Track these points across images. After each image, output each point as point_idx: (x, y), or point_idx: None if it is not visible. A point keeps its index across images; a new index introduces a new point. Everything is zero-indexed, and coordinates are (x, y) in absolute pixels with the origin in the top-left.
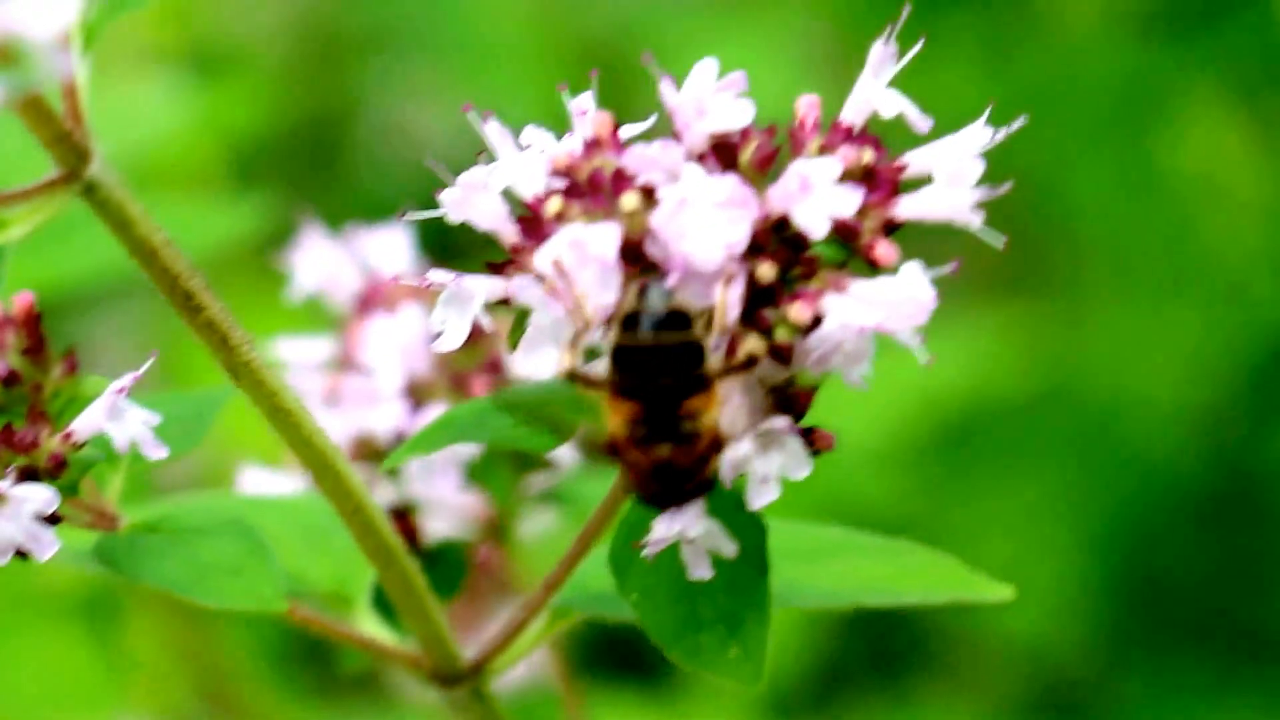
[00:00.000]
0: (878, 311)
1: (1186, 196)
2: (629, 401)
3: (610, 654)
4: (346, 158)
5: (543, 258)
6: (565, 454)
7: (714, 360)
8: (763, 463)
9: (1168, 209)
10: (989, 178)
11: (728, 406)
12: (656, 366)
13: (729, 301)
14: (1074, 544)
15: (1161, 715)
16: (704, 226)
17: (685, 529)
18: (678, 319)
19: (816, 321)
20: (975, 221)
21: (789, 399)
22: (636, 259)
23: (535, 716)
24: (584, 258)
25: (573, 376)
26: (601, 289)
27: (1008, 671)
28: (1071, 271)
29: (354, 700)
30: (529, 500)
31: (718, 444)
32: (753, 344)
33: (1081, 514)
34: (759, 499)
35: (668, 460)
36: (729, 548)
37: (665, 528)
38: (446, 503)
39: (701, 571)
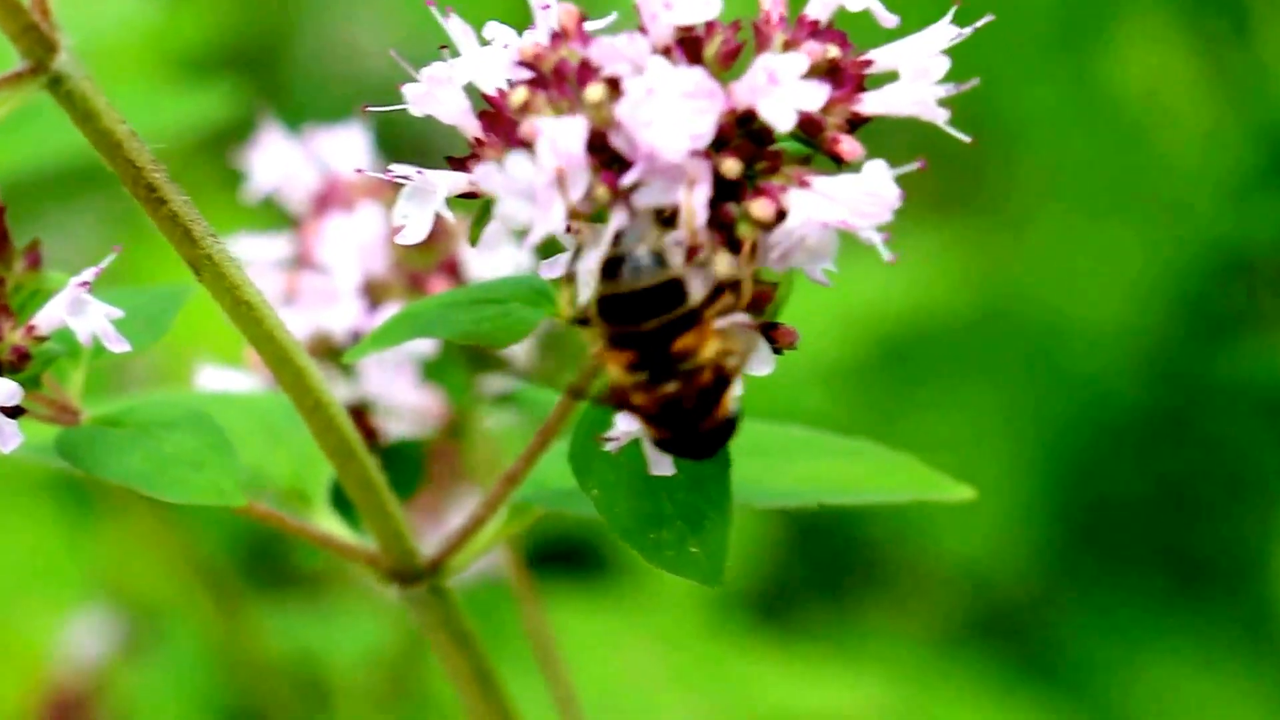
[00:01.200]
0: (841, 207)
1: (1128, 116)
2: (623, 350)
3: (560, 556)
4: (291, 71)
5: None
6: (523, 351)
7: (697, 291)
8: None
9: (1110, 128)
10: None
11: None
12: (642, 311)
13: (695, 204)
14: (1015, 465)
15: (1101, 637)
16: (669, 117)
17: None
18: (656, 261)
19: (780, 217)
20: (940, 117)
21: (752, 296)
22: (602, 150)
23: (491, 613)
24: (551, 152)
25: (574, 321)
26: (568, 184)
27: (949, 593)
28: (1014, 191)
29: (318, 597)
30: (486, 399)
31: (725, 379)
32: (724, 267)
33: (1022, 434)
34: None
35: (675, 399)
36: None
37: (628, 423)
38: (403, 402)
39: (664, 468)
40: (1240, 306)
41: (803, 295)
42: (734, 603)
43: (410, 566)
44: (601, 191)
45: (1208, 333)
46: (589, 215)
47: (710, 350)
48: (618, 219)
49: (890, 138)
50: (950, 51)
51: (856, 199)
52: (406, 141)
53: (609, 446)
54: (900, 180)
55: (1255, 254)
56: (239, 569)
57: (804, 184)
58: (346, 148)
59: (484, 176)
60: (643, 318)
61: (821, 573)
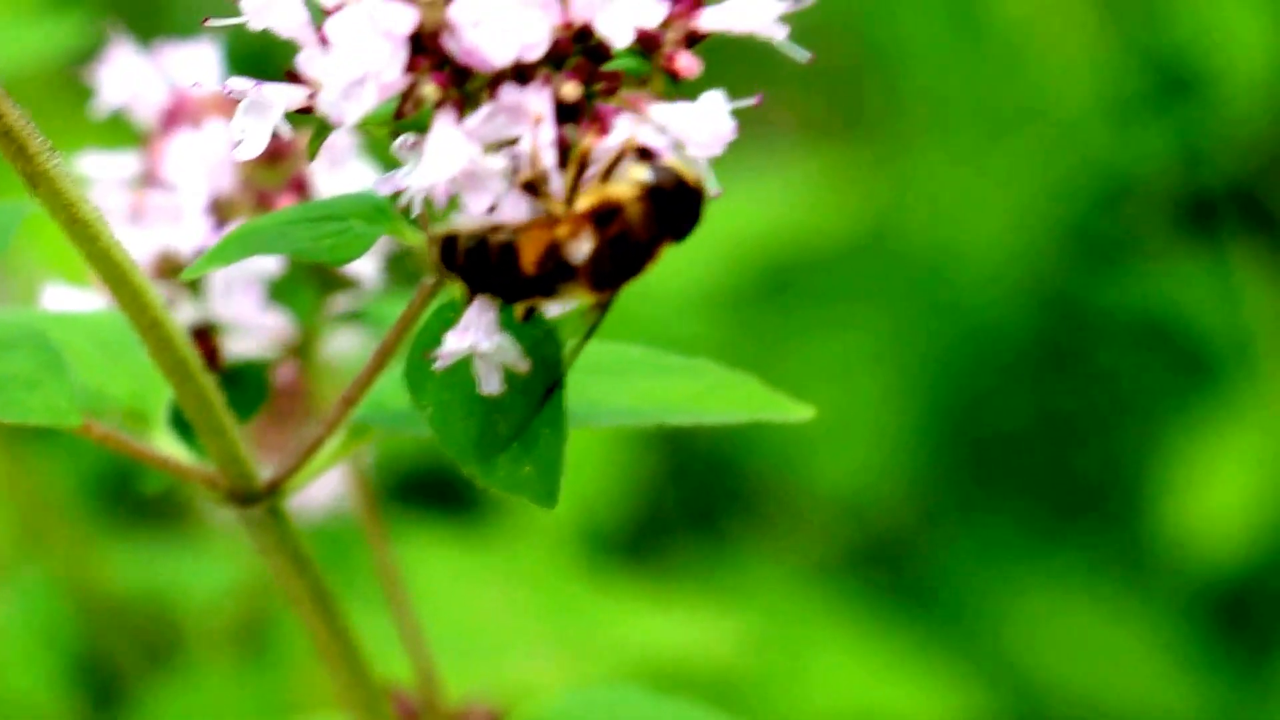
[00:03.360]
0: (672, 138)
1: (1013, 40)
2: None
3: (432, 490)
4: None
5: (332, 25)
6: (370, 272)
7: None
8: None
9: (994, 53)
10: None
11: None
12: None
13: (541, 144)
14: (898, 394)
15: (982, 567)
16: (500, 19)
17: (477, 342)
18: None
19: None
20: (779, 35)
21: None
22: (432, 52)
23: (339, 545)
24: (373, 30)
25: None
26: (388, 65)
27: (827, 525)
28: (899, 117)
29: (174, 533)
30: (333, 320)
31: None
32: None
33: (906, 363)
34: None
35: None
36: (521, 363)
37: (456, 340)
38: (248, 321)
39: (492, 386)
40: (1126, 234)
41: None
42: (607, 540)
43: (248, 488)
44: (430, 90)
45: (1093, 261)
46: (416, 117)
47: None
48: (443, 123)
49: (773, 62)
50: None
51: (689, 129)
52: (281, 57)
53: (437, 365)
54: (784, 105)
55: (1141, 181)
56: (93, 506)
57: (638, 110)
58: (196, 63)
59: (305, 62)
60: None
61: (694, 505)
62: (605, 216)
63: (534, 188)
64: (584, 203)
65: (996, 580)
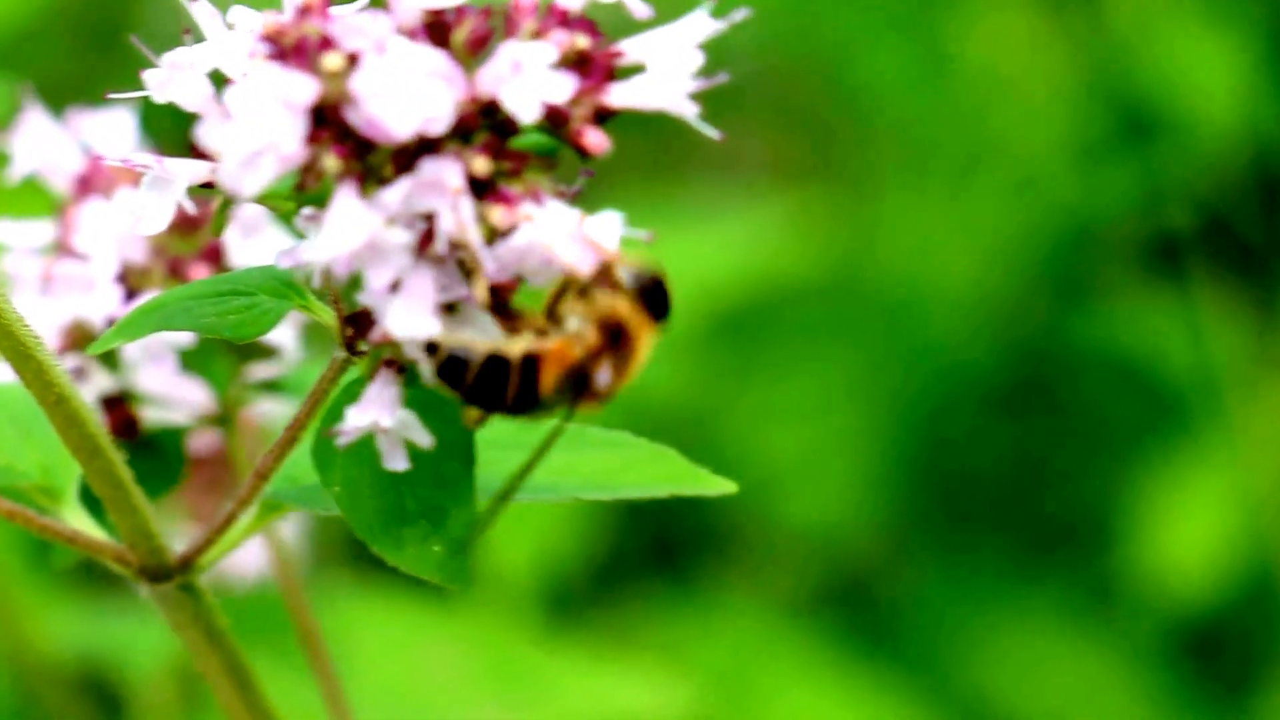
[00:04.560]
0: (558, 241)
1: (980, 85)
2: None
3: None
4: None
5: (233, 96)
6: (288, 341)
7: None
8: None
9: (961, 97)
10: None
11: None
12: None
13: (464, 220)
14: (868, 433)
15: (953, 606)
16: (405, 93)
17: (378, 418)
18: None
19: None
20: (690, 112)
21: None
22: (335, 124)
23: (267, 613)
24: (273, 100)
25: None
26: (288, 137)
27: (798, 563)
28: (865, 159)
29: (113, 594)
30: (251, 388)
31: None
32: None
33: (876, 403)
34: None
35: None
36: (424, 439)
37: (357, 417)
38: (163, 391)
39: (397, 462)
40: (1094, 274)
41: None
42: (566, 587)
43: (159, 564)
44: (331, 162)
45: (1062, 300)
46: (318, 190)
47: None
48: (344, 195)
49: (743, 104)
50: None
51: (570, 237)
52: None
53: (339, 442)
54: (754, 145)
55: (1108, 221)
56: (30, 572)
57: (539, 201)
58: (112, 130)
59: (204, 134)
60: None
61: (661, 544)
62: (615, 334)
63: (469, 274)
64: (590, 326)
65: (968, 618)
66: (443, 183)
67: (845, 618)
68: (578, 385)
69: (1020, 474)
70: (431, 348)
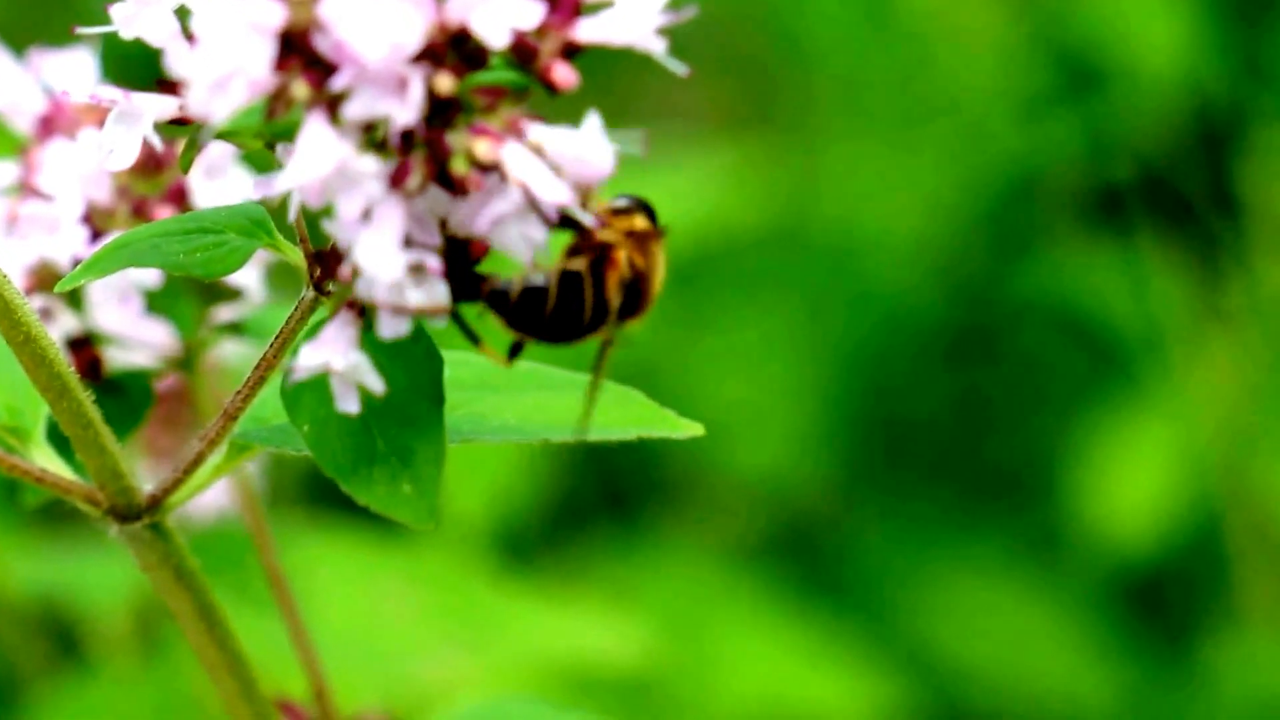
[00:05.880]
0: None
1: (922, 33)
2: None
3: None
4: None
5: (200, 21)
6: (253, 283)
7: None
8: (410, 294)
9: (904, 46)
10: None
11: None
12: None
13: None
14: (811, 382)
15: (898, 554)
16: (373, 19)
17: (330, 360)
18: None
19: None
20: (657, 48)
21: (460, 244)
22: (303, 51)
23: (238, 548)
24: (241, 24)
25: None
26: (257, 61)
27: (745, 510)
28: (807, 108)
29: (75, 531)
30: (215, 330)
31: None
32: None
33: (819, 352)
34: (388, 328)
35: None
36: (376, 384)
37: (310, 356)
38: (128, 333)
39: (349, 405)
40: (1036, 223)
41: None
42: (520, 530)
43: (128, 504)
44: (300, 89)
45: (1005, 249)
46: (287, 119)
47: None
48: (314, 123)
49: (685, 53)
50: None
51: (571, 154)
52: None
53: (289, 379)
54: (697, 95)
55: (1050, 171)
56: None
57: (520, 131)
58: (74, 70)
59: (173, 61)
60: None
61: (611, 492)
62: (641, 246)
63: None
64: (618, 233)
65: (911, 567)
66: (403, 82)
67: (791, 564)
68: (631, 295)
69: (963, 422)
70: (497, 296)
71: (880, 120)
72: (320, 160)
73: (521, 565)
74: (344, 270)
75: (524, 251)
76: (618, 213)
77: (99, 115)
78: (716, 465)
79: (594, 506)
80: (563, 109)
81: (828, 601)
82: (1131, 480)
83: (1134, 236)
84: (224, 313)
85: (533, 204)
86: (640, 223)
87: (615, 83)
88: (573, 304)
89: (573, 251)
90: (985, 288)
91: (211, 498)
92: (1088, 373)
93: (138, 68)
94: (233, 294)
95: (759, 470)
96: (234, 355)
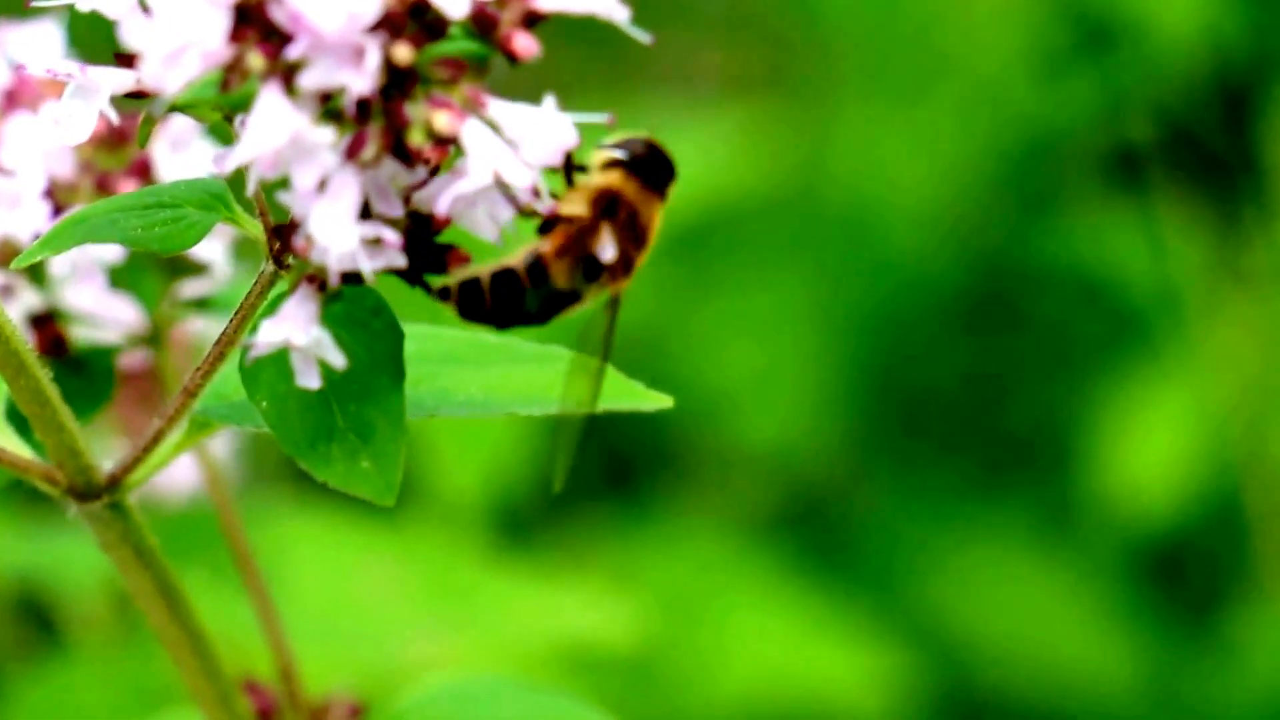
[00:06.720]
0: (506, 150)
1: None
2: None
3: None
4: None
5: None
6: (218, 257)
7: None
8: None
9: (919, 6)
10: None
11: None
12: None
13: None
14: (825, 350)
15: (913, 525)
16: None
17: (291, 335)
18: None
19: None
20: (620, 16)
21: (421, 216)
22: (259, 22)
23: (202, 530)
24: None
25: None
26: (210, 32)
27: (753, 482)
28: (820, 72)
29: (48, 512)
30: (181, 306)
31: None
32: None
33: (833, 319)
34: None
35: None
36: (337, 359)
37: (270, 331)
38: (91, 309)
39: (310, 380)
40: (1054, 187)
41: None
42: (517, 505)
43: (87, 483)
44: (255, 60)
45: (1022, 215)
46: (243, 91)
47: None
48: (268, 94)
49: (696, 17)
50: None
51: (528, 132)
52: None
53: (249, 355)
54: (710, 56)
55: (1068, 134)
56: None
57: (480, 104)
58: (36, 43)
59: (128, 34)
60: None
61: (615, 463)
62: (610, 207)
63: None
64: (579, 203)
65: (926, 539)
66: (360, 52)
67: (802, 537)
68: (589, 267)
69: (979, 391)
70: (445, 291)
71: (896, 82)
72: (274, 131)
73: (521, 542)
74: (299, 241)
75: (490, 230)
76: (609, 166)
77: (61, 89)
78: (726, 436)
79: (599, 480)
80: (573, 76)
81: (840, 574)
82: (1150, 449)
83: (1153, 198)
84: (190, 288)
85: (498, 183)
86: (612, 180)
87: (627, 49)
88: (518, 295)
89: (544, 229)
90: (1002, 252)
91: (187, 477)
92: (1106, 338)
93: (105, 40)
94: (199, 269)
95: (770, 441)
96: (206, 332)
